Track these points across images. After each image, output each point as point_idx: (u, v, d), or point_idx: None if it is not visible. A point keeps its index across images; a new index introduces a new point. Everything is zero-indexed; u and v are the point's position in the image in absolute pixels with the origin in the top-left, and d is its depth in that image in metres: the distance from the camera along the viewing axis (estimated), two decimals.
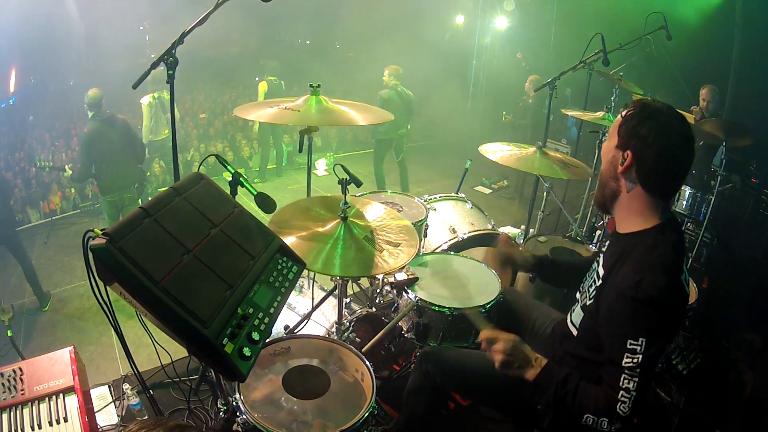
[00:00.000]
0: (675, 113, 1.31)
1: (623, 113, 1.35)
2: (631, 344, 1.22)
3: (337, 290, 2.20)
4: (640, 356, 1.21)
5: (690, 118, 3.80)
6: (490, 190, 6.68)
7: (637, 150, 1.29)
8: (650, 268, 1.25)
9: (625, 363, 1.23)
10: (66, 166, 4.31)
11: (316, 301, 2.36)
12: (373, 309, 2.43)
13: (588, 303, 1.45)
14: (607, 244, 1.52)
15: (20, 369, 1.62)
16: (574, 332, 1.51)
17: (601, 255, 1.50)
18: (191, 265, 1.20)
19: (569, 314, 1.59)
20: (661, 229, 1.33)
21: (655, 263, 1.25)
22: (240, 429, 1.43)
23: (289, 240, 1.74)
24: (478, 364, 1.65)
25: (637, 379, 1.22)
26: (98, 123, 4.02)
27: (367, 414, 1.46)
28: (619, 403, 1.23)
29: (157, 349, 1.77)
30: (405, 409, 1.81)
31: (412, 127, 6.32)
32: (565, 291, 2.34)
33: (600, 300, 1.38)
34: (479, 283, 2.14)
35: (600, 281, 1.42)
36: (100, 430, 1.93)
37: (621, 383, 1.23)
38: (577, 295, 1.59)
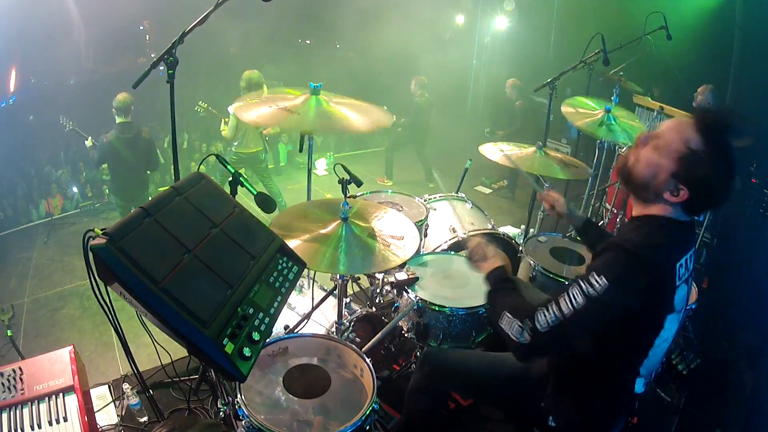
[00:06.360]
0: (734, 154, 1.22)
1: (691, 141, 1.19)
2: (592, 277, 1.16)
3: (336, 290, 2.20)
4: (592, 292, 1.14)
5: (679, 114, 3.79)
6: (490, 190, 6.66)
7: (698, 193, 1.22)
8: (648, 234, 1.23)
9: (574, 287, 1.17)
10: (89, 138, 4.03)
11: (316, 301, 2.36)
12: (373, 309, 2.43)
13: None
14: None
15: (20, 368, 1.62)
16: None
17: None
18: (192, 265, 1.20)
19: None
20: (678, 222, 1.28)
21: (654, 234, 1.23)
22: (243, 431, 1.43)
23: (293, 243, 1.73)
24: (479, 364, 1.66)
25: (572, 308, 1.15)
26: (117, 140, 3.84)
27: (369, 411, 1.47)
28: (541, 312, 1.18)
29: (157, 349, 1.77)
30: (406, 409, 1.81)
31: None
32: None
33: None
34: (479, 283, 2.14)
35: None
36: (100, 429, 1.93)
37: (558, 299, 1.18)
38: None
